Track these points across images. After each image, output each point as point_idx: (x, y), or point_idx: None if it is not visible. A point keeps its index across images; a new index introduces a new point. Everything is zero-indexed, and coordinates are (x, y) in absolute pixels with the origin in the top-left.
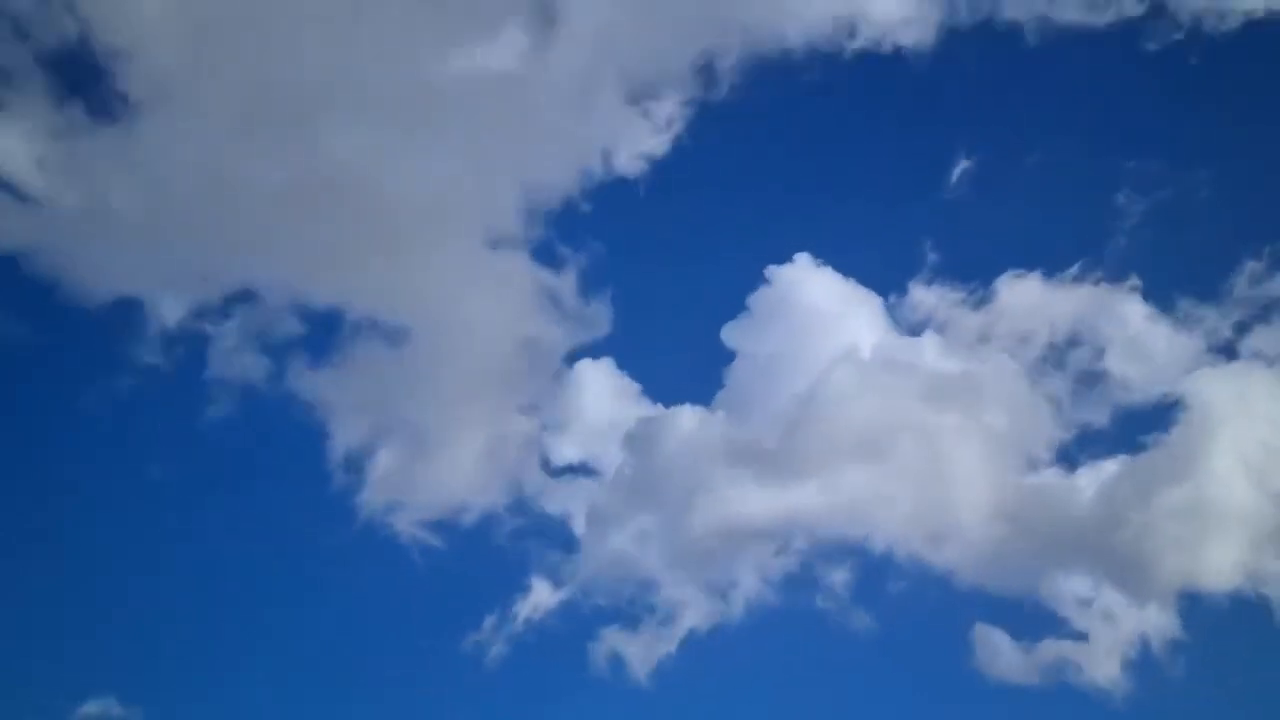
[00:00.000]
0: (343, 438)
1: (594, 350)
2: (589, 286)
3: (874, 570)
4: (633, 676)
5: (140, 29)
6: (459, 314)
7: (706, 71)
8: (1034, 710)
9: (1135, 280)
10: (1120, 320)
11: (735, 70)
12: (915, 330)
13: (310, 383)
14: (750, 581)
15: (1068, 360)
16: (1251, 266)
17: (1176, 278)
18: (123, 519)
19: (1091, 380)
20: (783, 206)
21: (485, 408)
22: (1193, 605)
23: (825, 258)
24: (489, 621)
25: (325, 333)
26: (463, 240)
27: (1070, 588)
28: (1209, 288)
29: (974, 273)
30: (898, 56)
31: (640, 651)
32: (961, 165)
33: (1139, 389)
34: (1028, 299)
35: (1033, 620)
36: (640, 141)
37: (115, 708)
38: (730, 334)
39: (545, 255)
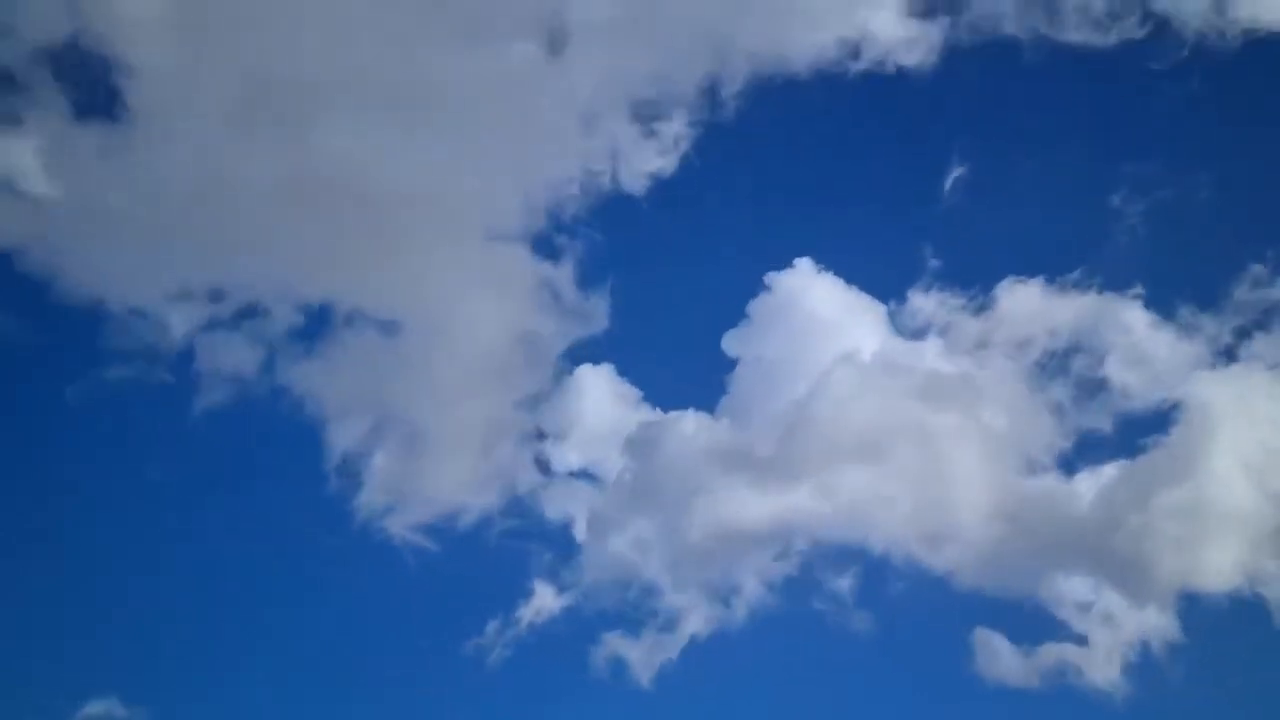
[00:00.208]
0: (340, 437)
1: (594, 355)
2: (588, 286)
3: (875, 574)
4: (635, 681)
5: (136, 26)
6: (456, 310)
7: (711, 93)
8: (1034, 713)
9: (1135, 286)
10: (1120, 326)
11: (740, 91)
12: (916, 336)
13: (306, 380)
14: (752, 585)
15: (1068, 366)
16: (1252, 273)
17: (1177, 283)
18: (120, 519)
19: (1091, 385)
20: (783, 214)
21: (485, 410)
22: (1193, 607)
23: (826, 264)
24: (491, 625)
25: (321, 330)
26: (461, 237)
27: (1070, 591)
28: (1209, 294)
29: (975, 279)
30: (900, 75)
31: (642, 656)
32: (962, 172)
33: (1139, 394)
34: (1028, 305)
35: (1033, 623)
36: (646, 159)
37: (118, 708)
38: (731, 342)
39: (544, 256)
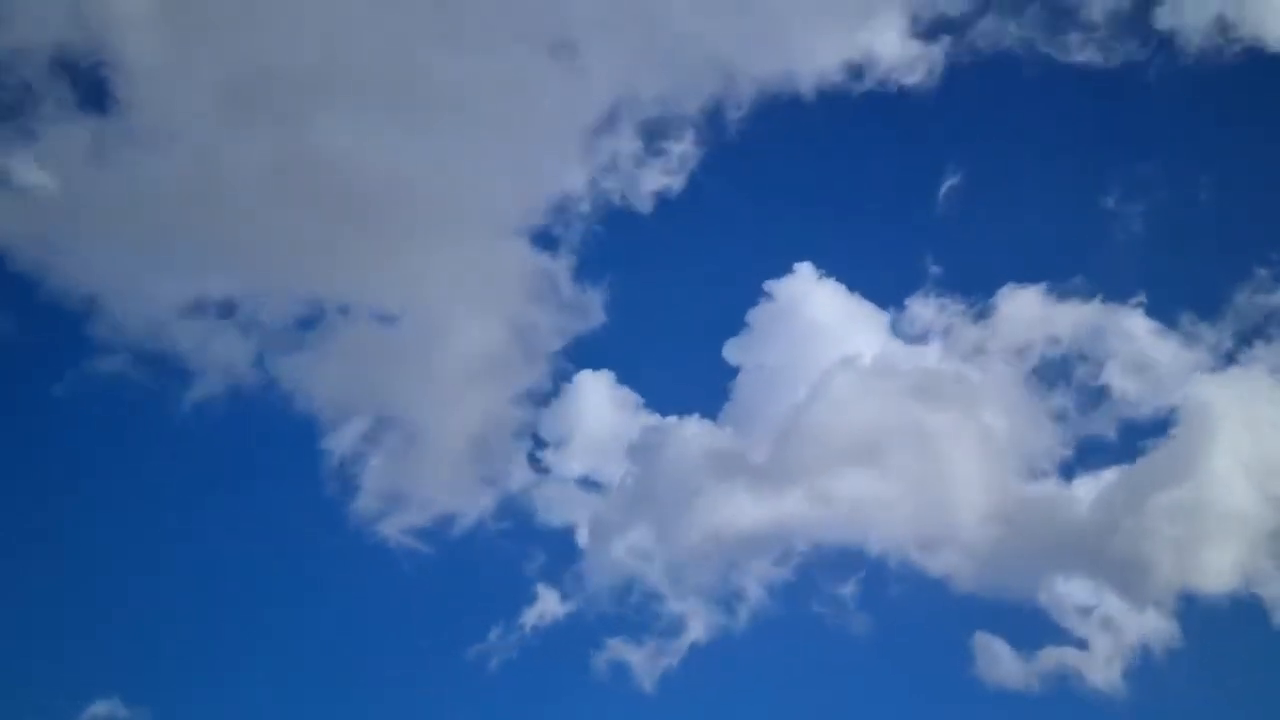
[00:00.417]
0: (336, 436)
1: (594, 361)
2: (585, 280)
3: (876, 578)
4: (637, 686)
5: (130, 22)
6: (454, 306)
7: (716, 112)
8: (1035, 717)
9: (1135, 293)
10: (1119, 333)
11: (745, 110)
12: (917, 341)
13: (301, 377)
14: (754, 590)
15: (1067, 371)
16: (1251, 280)
17: (1176, 291)
18: (115, 518)
19: (1091, 390)
20: (784, 221)
21: (484, 409)
22: (1193, 610)
23: (827, 269)
24: (493, 631)
25: (316, 326)
26: (458, 234)
27: (1070, 594)
28: (1209, 300)
29: (975, 285)
30: (903, 92)
31: (645, 662)
32: (964, 180)
33: (1138, 399)
34: (1028, 311)
35: (1032, 627)
36: (652, 177)
37: (121, 710)
38: (732, 349)
39: (542, 249)
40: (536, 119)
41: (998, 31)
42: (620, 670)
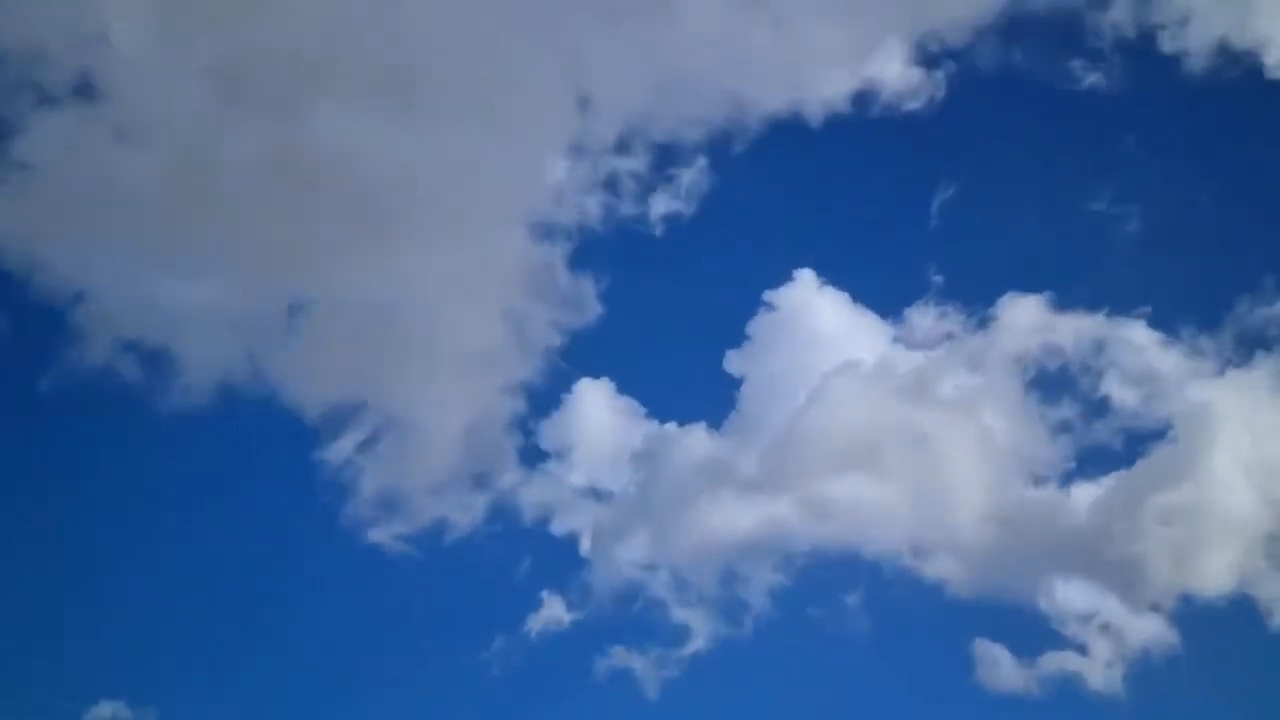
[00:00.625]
0: (332, 437)
1: (593, 369)
2: (580, 271)
3: (878, 585)
4: (640, 693)
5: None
6: (451, 304)
7: (723, 140)
8: None
9: (1135, 302)
10: (1120, 342)
11: (750, 136)
12: (917, 349)
13: (293, 372)
14: (757, 598)
15: (1068, 380)
16: (1253, 290)
17: (1177, 300)
18: (110, 518)
19: (1091, 398)
20: (785, 231)
21: (482, 408)
22: (1193, 614)
23: (828, 277)
24: (498, 637)
25: (310, 321)
26: (455, 227)
27: (1070, 599)
28: (1210, 310)
29: (976, 294)
30: (907, 115)
31: (648, 669)
32: (966, 190)
33: (1138, 406)
34: (1029, 320)
35: (1032, 632)
36: (659, 200)
37: (124, 711)
38: (733, 358)
39: (540, 241)
40: (536, 118)
41: (1001, 57)
42: (624, 677)
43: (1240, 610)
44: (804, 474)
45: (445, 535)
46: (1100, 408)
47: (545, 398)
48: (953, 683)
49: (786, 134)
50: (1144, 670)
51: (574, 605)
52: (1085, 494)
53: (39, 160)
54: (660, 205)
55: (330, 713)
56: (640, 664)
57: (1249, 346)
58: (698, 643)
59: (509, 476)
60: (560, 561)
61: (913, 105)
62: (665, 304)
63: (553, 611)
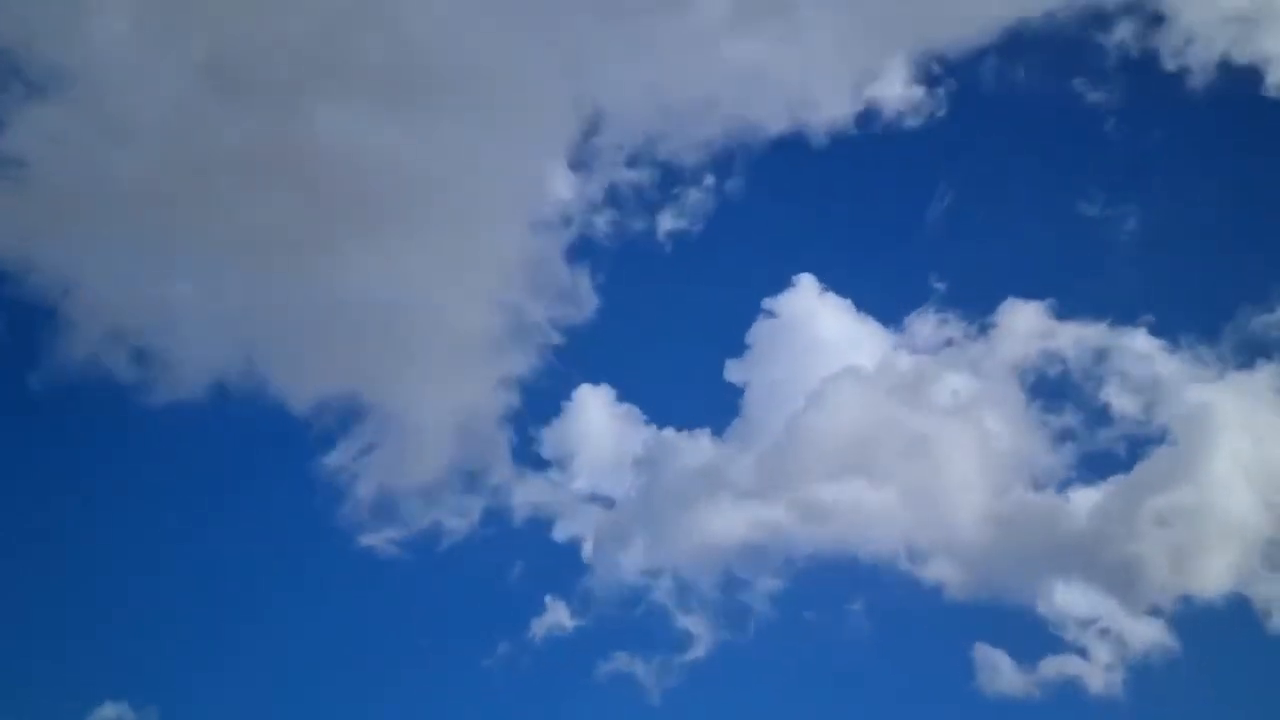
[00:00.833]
0: (328, 440)
1: (593, 374)
2: (586, 290)
3: (879, 591)
4: (643, 698)
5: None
6: (448, 302)
7: (726, 159)
8: None
9: (1136, 309)
10: (1120, 348)
11: (753, 157)
12: (918, 355)
13: (287, 369)
14: (760, 604)
15: (1068, 386)
16: (1254, 298)
17: (1178, 307)
18: (113, 518)
19: (1091, 403)
20: (786, 238)
21: (481, 416)
22: (1192, 617)
23: (829, 285)
24: (500, 642)
25: (305, 317)
26: (452, 224)
27: (1070, 603)
28: (1211, 317)
29: (977, 301)
30: (910, 131)
31: (651, 674)
32: (966, 198)
33: (1137, 410)
34: (1029, 325)
35: (1033, 636)
36: (666, 218)
37: (128, 713)
38: (734, 363)
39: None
40: (537, 118)
41: (1003, 73)
42: (627, 681)
43: (1239, 613)
44: (805, 479)
45: (448, 539)
46: (1100, 413)
47: (546, 404)
48: (954, 687)
49: (790, 149)
50: (1144, 673)
51: (577, 610)
52: (1085, 498)
53: (31, 155)
54: (666, 222)
55: (333, 715)
56: (642, 669)
57: (1248, 352)
58: (699, 647)
59: (510, 480)
60: (563, 567)
61: (915, 122)
62: (666, 309)
63: (556, 617)
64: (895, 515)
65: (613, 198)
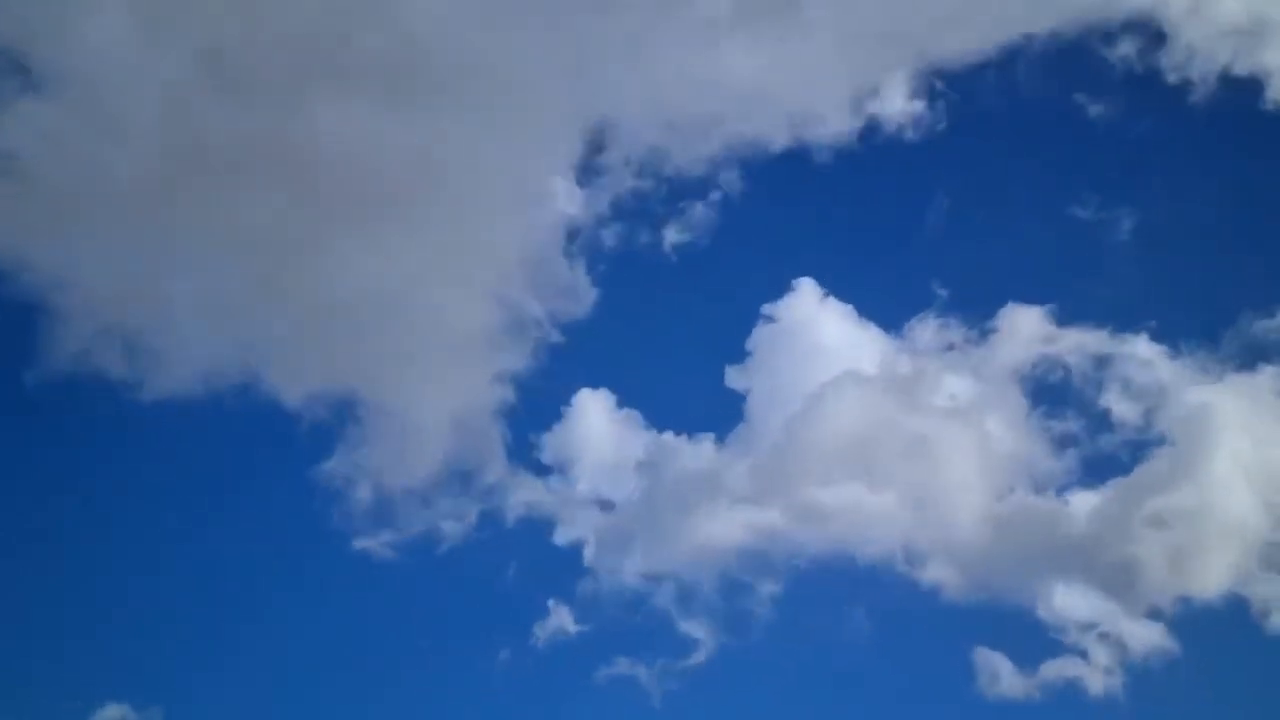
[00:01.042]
0: (330, 433)
1: (592, 379)
2: (584, 291)
3: (879, 594)
4: (645, 702)
5: None
6: (445, 298)
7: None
8: None
9: (1137, 313)
10: (1120, 353)
11: (756, 172)
12: (918, 360)
13: (282, 366)
14: (760, 607)
15: (1068, 390)
16: (1254, 304)
17: (1177, 312)
18: (110, 518)
19: (1091, 406)
20: (787, 244)
21: (478, 417)
22: (1192, 619)
23: (829, 289)
24: (501, 648)
25: (300, 316)
26: (450, 222)
27: (1070, 606)
28: (1210, 321)
29: (977, 306)
30: (910, 144)
31: (652, 678)
32: (968, 201)
33: (1139, 415)
34: (1030, 332)
35: (1033, 641)
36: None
37: (131, 714)
38: (735, 367)
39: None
40: (537, 118)
41: (1005, 84)
42: (629, 686)
43: (1238, 614)
44: (806, 483)
45: (449, 543)
46: (1100, 416)
47: (547, 409)
48: (955, 690)
49: (792, 160)
50: (1143, 675)
51: (579, 615)
52: (1084, 501)
53: (25, 152)
54: (671, 235)
55: (335, 718)
56: (644, 674)
57: (1248, 356)
58: (701, 651)
59: (511, 484)
60: (564, 571)
61: (916, 135)
62: (666, 313)
63: (560, 621)
64: (896, 519)
65: (616, 209)
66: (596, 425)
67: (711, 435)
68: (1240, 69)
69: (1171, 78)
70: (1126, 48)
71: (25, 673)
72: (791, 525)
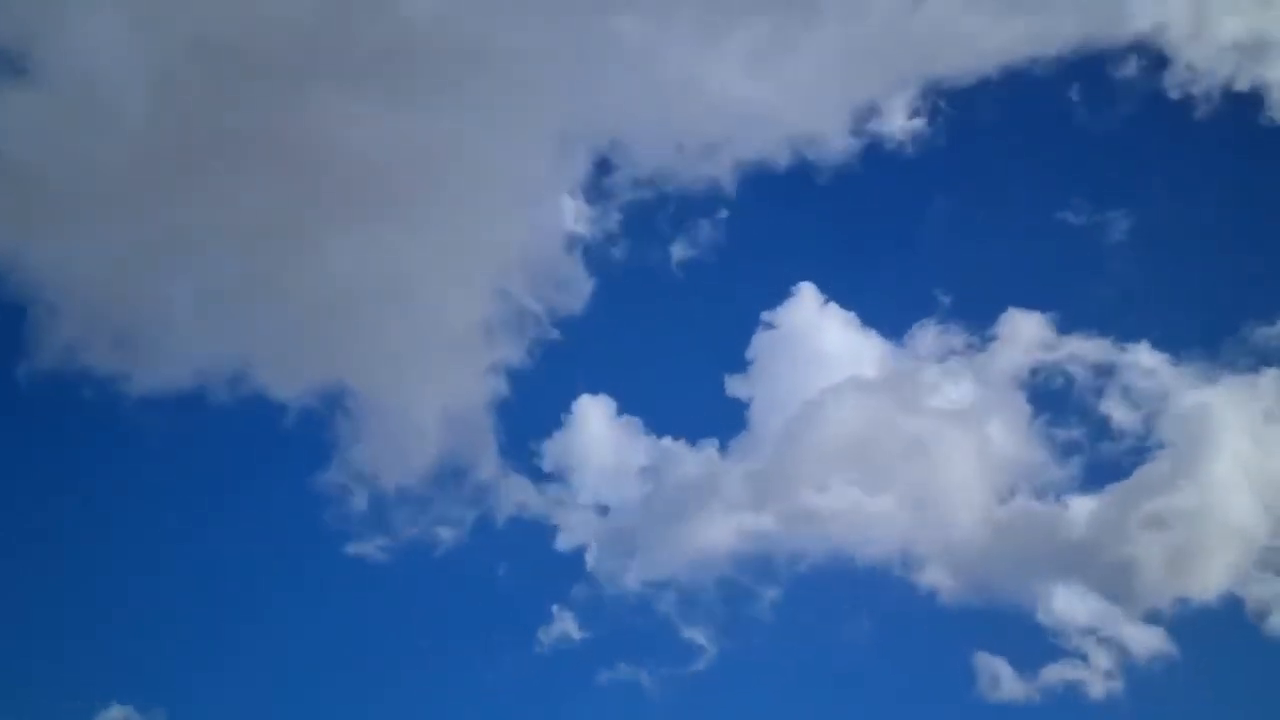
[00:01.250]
0: (330, 431)
1: (592, 385)
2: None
3: (879, 598)
4: (646, 706)
5: None
6: (444, 296)
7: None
8: None
9: (1137, 320)
10: (1120, 359)
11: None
12: (918, 365)
13: (278, 365)
14: (762, 612)
15: (1069, 396)
16: (1255, 311)
17: (1178, 318)
18: (107, 517)
19: (1093, 413)
20: (787, 250)
21: (475, 420)
22: (1190, 621)
23: (830, 295)
24: (504, 653)
25: (295, 310)
26: (448, 218)
27: (1070, 609)
28: (1210, 328)
29: (979, 312)
30: (910, 159)
31: (653, 685)
32: (970, 208)
33: (1138, 418)
34: (1031, 338)
35: (1033, 645)
36: (678, 248)
37: (134, 715)
38: (735, 376)
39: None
40: (535, 109)
41: (1006, 98)
42: (631, 690)
43: (1237, 616)
44: (807, 489)
45: (450, 547)
46: (1101, 423)
47: (547, 417)
48: (955, 694)
49: (793, 178)
50: (1143, 677)
51: (582, 620)
52: (1083, 505)
53: (15, 144)
54: (678, 251)
55: (334, 710)
56: (646, 678)
57: (1248, 361)
58: (702, 656)
59: (511, 489)
60: (567, 577)
61: (918, 152)
62: (667, 318)
63: (564, 626)
64: (897, 523)
65: (619, 222)
66: (597, 432)
67: (713, 441)
68: (1241, 84)
69: (1174, 94)
70: (1129, 67)
71: (27, 674)
72: (792, 531)
